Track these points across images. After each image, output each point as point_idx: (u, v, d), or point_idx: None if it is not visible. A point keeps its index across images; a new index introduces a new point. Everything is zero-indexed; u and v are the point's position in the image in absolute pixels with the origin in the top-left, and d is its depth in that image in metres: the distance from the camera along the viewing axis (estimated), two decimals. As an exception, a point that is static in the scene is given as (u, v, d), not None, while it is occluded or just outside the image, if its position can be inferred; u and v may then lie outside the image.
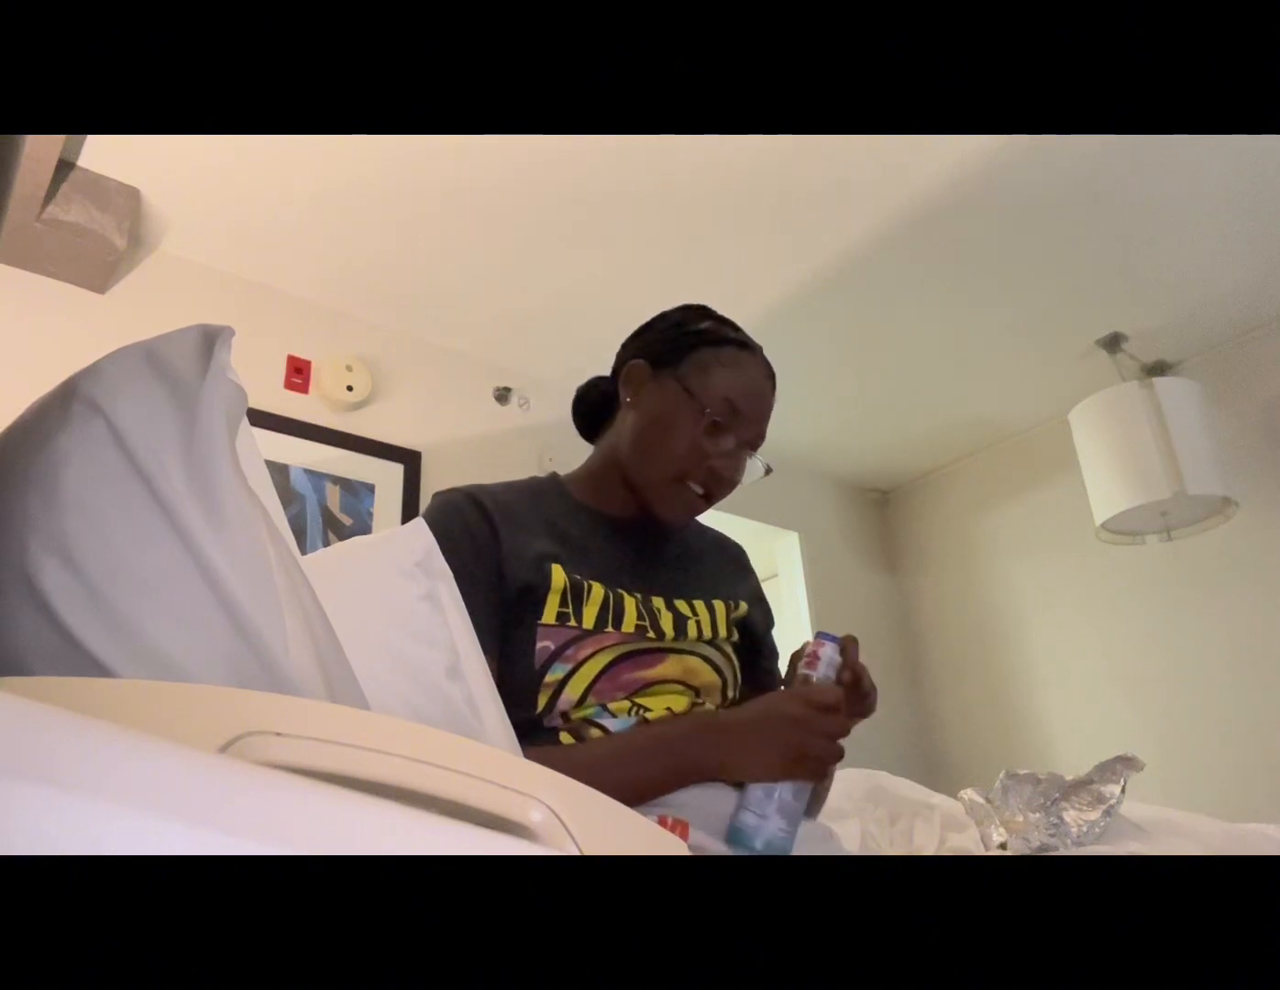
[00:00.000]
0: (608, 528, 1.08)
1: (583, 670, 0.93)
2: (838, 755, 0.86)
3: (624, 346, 1.16)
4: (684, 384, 1.03)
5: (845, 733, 0.86)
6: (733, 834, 0.83)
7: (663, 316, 1.15)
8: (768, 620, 1.20)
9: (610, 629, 0.96)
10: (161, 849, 0.21)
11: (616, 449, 1.09)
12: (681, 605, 1.04)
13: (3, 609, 0.40)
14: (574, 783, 0.39)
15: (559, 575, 0.96)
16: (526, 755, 0.87)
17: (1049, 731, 3.02)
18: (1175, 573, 2.77)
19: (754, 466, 1.08)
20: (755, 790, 0.83)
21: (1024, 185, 2.17)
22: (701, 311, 1.14)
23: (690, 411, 1.02)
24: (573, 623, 0.95)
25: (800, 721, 0.84)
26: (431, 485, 2.42)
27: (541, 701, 0.92)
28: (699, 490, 1.04)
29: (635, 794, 0.86)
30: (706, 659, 1.02)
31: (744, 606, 1.12)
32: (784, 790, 0.82)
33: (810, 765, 0.84)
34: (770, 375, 1.11)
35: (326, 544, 2.19)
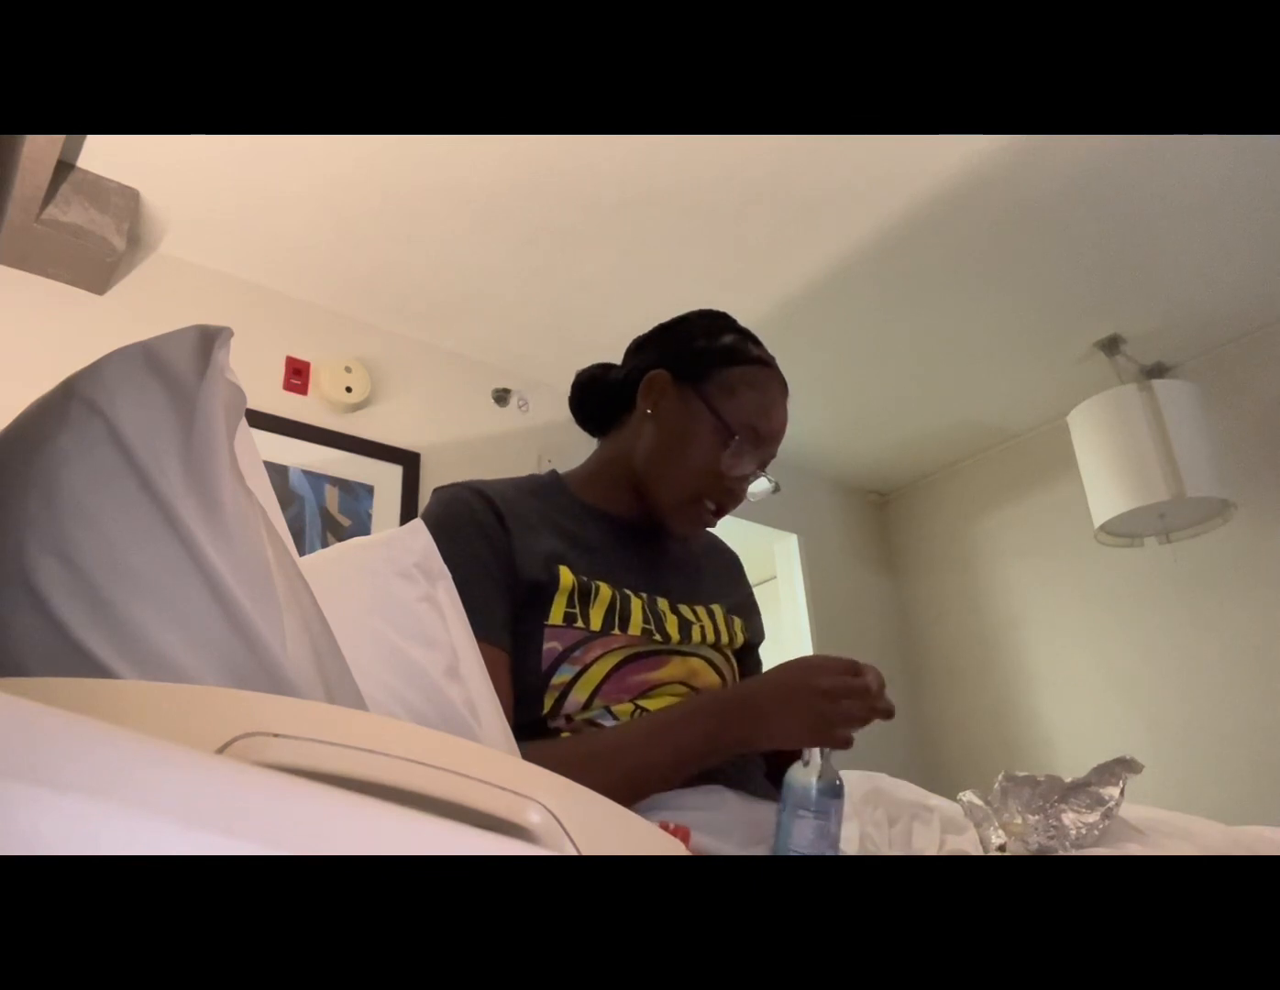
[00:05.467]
0: (613, 528, 1.08)
1: (590, 672, 0.93)
2: (864, 718, 0.82)
3: (641, 347, 1.14)
4: (710, 404, 1.02)
5: (867, 694, 0.82)
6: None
7: (684, 323, 1.12)
8: (758, 632, 1.19)
9: (617, 631, 0.95)
10: (158, 850, 0.21)
11: (628, 455, 1.07)
12: (685, 609, 1.04)
13: (1, 609, 0.40)
14: (573, 784, 0.39)
15: (567, 576, 0.96)
16: (548, 746, 0.87)
17: (1047, 733, 3.02)
18: (1174, 575, 2.77)
19: (762, 483, 1.08)
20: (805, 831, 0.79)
21: (1023, 186, 2.17)
22: (723, 321, 1.11)
23: (714, 435, 1.01)
24: (580, 624, 0.94)
25: (826, 689, 0.81)
26: (430, 487, 2.42)
27: (548, 703, 0.92)
28: (711, 507, 1.05)
29: (673, 768, 0.86)
30: (708, 661, 1.02)
31: (739, 622, 1.11)
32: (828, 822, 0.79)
33: (839, 731, 0.81)
34: (786, 392, 1.09)
35: (325, 545, 2.19)
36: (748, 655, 1.15)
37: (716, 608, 1.09)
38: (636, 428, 1.07)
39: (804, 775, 0.78)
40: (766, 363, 1.08)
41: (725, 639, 1.06)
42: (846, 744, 0.81)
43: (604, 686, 0.93)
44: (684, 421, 1.03)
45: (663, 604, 1.02)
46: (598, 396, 1.15)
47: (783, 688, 0.84)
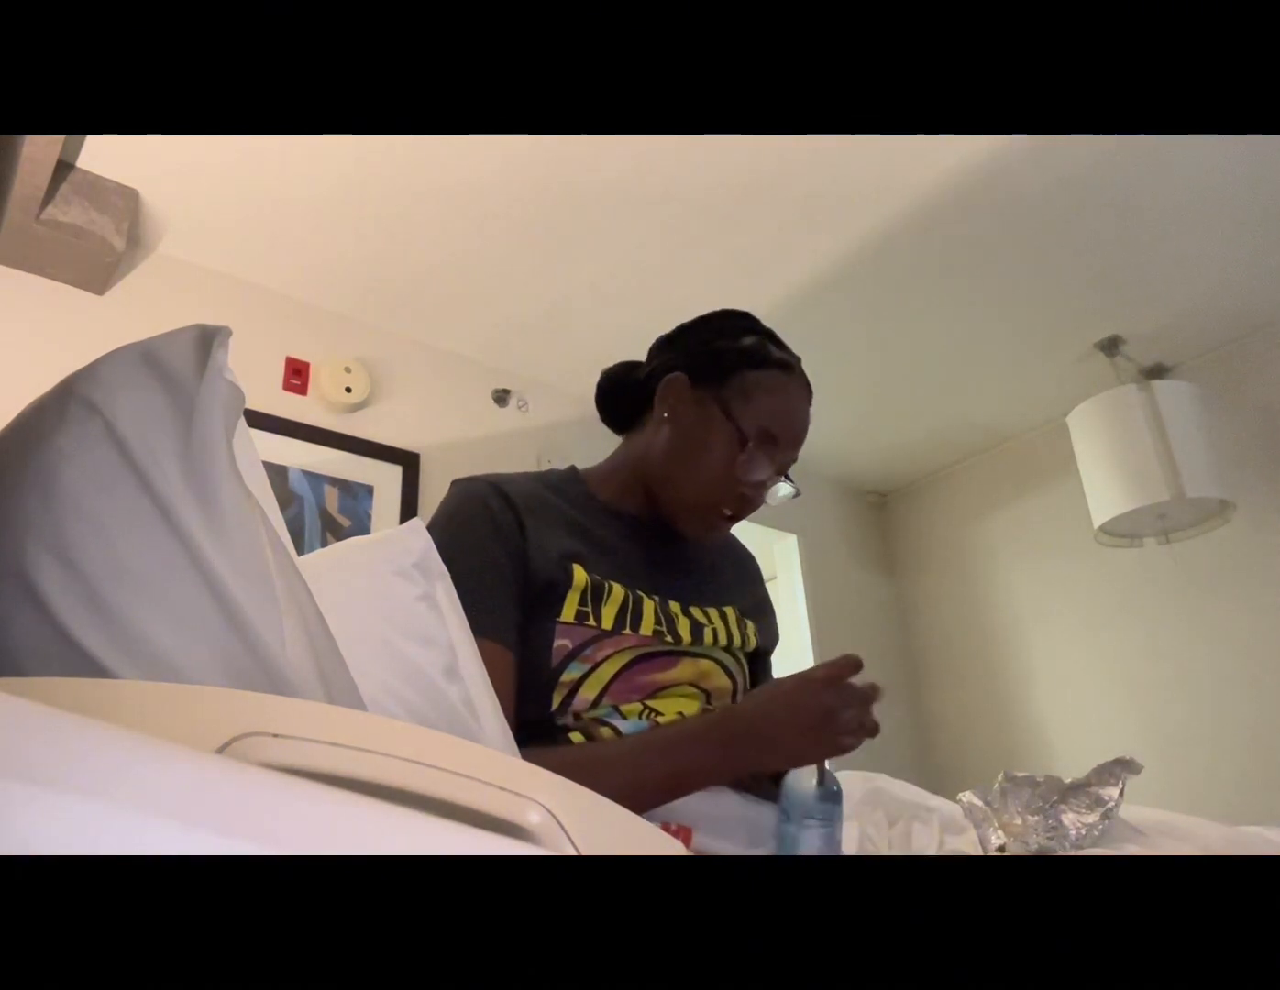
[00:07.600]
0: (628, 528, 1.07)
1: (599, 671, 0.93)
2: (873, 729, 0.81)
3: (661, 347, 1.12)
4: (725, 409, 1.00)
5: (876, 697, 0.81)
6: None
7: (705, 323, 1.10)
8: (771, 637, 1.18)
9: (628, 631, 0.95)
10: (158, 850, 0.21)
11: (645, 458, 1.06)
12: (698, 612, 1.03)
13: (0, 609, 0.40)
14: (572, 784, 0.39)
15: (580, 574, 0.95)
16: (551, 753, 0.86)
17: (1047, 734, 3.02)
18: (1173, 575, 2.77)
19: (783, 487, 1.06)
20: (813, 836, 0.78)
21: (1023, 186, 2.17)
22: (745, 322, 1.10)
23: (729, 440, 0.99)
24: (591, 622, 0.94)
25: (829, 706, 0.79)
26: (430, 487, 2.42)
27: (556, 700, 0.92)
28: (726, 513, 1.03)
29: (674, 790, 0.84)
30: (719, 663, 1.02)
31: (751, 625, 1.11)
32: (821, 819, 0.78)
33: (845, 742, 0.79)
34: (808, 395, 1.07)
35: (324, 545, 2.18)
36: (758, 661, 1.14)
37: (729, 610, 1.08)
38: (654, 429, 1.06)
39: (806, 784, 0.78)
40: (788, 366, 1.06)
41: (738, 642, 1.06)
42: (853, 748, 0.81)
43: (613, 685, 0.93)
44: (699, 426, 1.02)
45: (675, 607, 1.01)
46: (620, 395, 1.14)
47: (787, 710, 0.81)
